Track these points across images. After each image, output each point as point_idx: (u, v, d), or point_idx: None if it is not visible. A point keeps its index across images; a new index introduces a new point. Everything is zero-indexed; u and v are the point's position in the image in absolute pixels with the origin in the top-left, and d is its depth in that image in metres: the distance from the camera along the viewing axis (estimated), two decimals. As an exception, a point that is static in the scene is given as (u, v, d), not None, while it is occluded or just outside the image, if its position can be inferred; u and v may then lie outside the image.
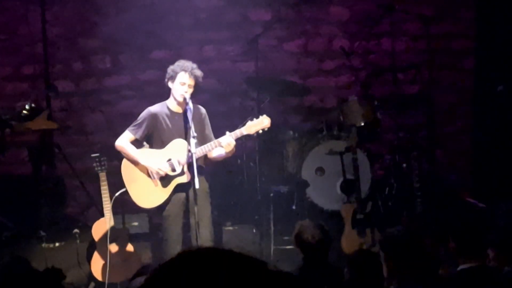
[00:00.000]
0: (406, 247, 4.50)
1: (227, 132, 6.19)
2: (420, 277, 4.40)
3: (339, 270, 5.08)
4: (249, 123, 6.21)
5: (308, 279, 5.10)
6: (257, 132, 6.23)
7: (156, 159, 6.31)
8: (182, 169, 6.29)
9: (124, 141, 6.38)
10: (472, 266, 4.44)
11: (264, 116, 6.25)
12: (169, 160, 6.29)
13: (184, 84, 6.23)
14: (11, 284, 4.47)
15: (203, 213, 6.30)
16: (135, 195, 6.38)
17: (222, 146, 6.16)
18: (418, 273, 4.41)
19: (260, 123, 6.20)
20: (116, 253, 6.64)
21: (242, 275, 1.53)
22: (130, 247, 6.72)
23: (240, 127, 6.24)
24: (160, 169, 6.28)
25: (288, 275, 1.58)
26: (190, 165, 6.09)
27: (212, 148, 6.24)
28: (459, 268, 4.49)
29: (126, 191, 6.40)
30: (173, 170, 6.29)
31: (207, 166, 6.52)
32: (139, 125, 6.39)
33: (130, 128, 6.41)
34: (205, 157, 6.38)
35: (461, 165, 9.23)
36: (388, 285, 4.51)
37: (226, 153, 6.26)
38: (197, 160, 6.06)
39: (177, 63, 6.32)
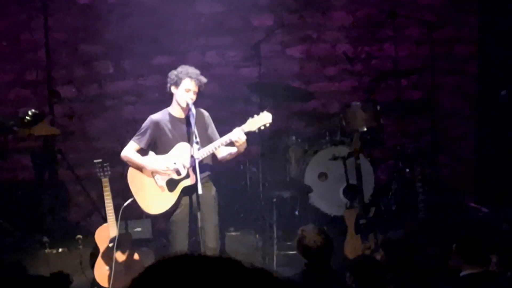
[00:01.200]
0: (407, 251, 4.50)
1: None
2: (422, 282, 4.39)
3: (342, 275, 5.07)
4: (250, 120, 6.11)
5: (311, 284, 5.08)
6: (259, 129, 6.13)
7: (161, 163, 6.30)
8: (188, 172, 6.27)
9: (129, 151, 6.37)
10: (475, 271, 4.43)
11: (265, 112, 6.14)
12: (174, 164, 6.28)
13: (189, 90, 6.20)
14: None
15: (208, 218, 6.29)
16: (144, 203, 6.36)
17: (233, 140, 6.08)
18: (420, 278, 4.39)
19: (261, 119, 6.11)
20: (119, 259, 6.63)
21: (220, 281, 1.54)
22: (133, 253, 6.71)
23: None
24: (168, 168, 6.24)
25: (266, 273, 1.57)
26: (194, 169, 6.06)
27: (217, 147, 6.20)
28: (462, 274, 4.48)
29: (134, 200, 6.38)
30: (178, 173, 6.28)
31: (215, 166, 6.49)
32: (143, 134, 6.38)
33: (135, 137, 6.40)
34: (214, 157, 6.35)
35: (464, 170, 9.21)
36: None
37: (238, 148, 6.19)
38: (204, 159, 6.05)
39: (180, 69, 6.29)
